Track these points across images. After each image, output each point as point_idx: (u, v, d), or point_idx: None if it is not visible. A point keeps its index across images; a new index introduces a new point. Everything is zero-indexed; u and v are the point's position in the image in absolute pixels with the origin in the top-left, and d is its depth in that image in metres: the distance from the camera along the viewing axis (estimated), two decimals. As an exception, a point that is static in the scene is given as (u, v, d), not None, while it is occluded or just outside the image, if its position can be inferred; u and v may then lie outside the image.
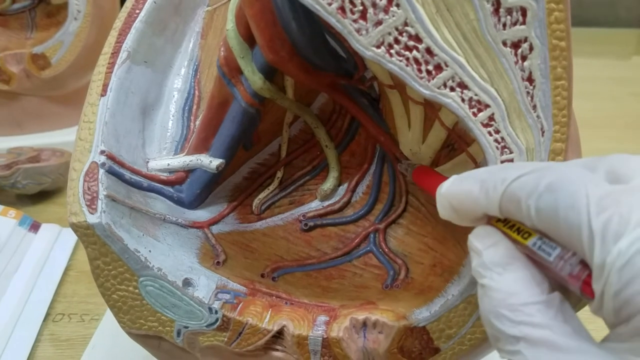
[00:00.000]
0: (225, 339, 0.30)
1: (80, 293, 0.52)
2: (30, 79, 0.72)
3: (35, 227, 0.57)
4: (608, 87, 1.07)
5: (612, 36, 1.43)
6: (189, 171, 0.34)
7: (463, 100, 0.26)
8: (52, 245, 0.57)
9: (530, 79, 0.25)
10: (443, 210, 0.24)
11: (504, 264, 0.20)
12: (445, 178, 0.25)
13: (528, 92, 0.25)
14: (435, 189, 0.25)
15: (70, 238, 0.58)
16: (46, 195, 0.67)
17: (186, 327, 0.30)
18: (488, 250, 0.21)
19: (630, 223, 0.17)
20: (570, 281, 0.18)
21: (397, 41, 0.24)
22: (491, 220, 0.22)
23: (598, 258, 0.17)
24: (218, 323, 0.30)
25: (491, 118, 0.26)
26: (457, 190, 0.23)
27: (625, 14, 1.51)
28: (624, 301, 0.17)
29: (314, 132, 0.37)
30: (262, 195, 0.37)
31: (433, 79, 0.25)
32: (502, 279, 0.20)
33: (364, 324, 0.30)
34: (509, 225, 0.21)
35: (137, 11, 0.33)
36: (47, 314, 0.49)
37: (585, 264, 0.18)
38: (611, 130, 0.88)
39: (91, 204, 0.28)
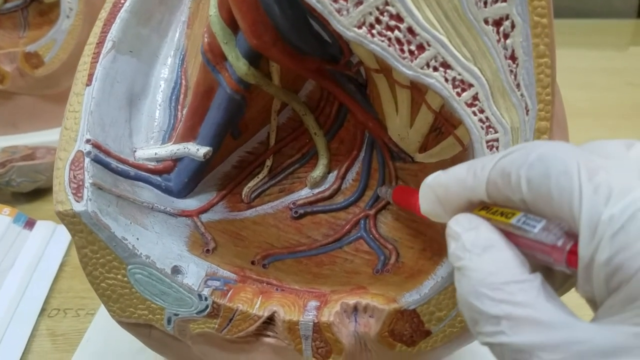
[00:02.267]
0: (216, 326, 0.30)
1: (76, 288, 0.52)
2: (23, 77, 0.72)
3: (30, 224, 0.57)
4: (604, 77, 1.07)
5: (608, 27, 1.43)
6: (176, 160, 0.33)
7: (446, 80, 0.25)
8: (47, 242, 0.57)
9: (513, 57, 0.25)
10: (426, 203, 0.24)
11: (484, 245, 0.20)
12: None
13: (511, 71, 0.25)
14: (416, 205, 0.25)
15: (65, 234, 0.58)
16: (41, 193, 0.67)
17: (176, 315, 0.30)
18: (468, 233, 0.20)
19: (621, 189, 0.17)
20: (555, 254, 0.18)
21: (378, 21, 0.24)
22: (473, 211, 0.22)
23: (587, 220, 0.17)
24: (208, 310, 0.30)
25: (475, 97, 0.26)
26: (443, 177, 0.23)
27: (621, 4, 1.51)
28: (616, 267, 0.16)
29: (303, 119, 0.37)
30: (251, 184, 0.37)
31: (416, 59, 0.25)
32: (482, 259, 0.19)
33: (355, 308, 0.30)
34: (491, 211, 0.21)
35: (122, 1, 0.33)
36: (43, 309, 0.50)
37: (570, 235, 0.18)
38: (607, 120, 0.88)
39: (77, 192, 0.28)
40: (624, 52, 1.31)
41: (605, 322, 0.17)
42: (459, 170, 0.22)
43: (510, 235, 0.20)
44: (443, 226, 0.33)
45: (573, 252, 0.17)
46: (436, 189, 0.23)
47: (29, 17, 0.75)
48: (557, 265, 0.18)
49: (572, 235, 0.18)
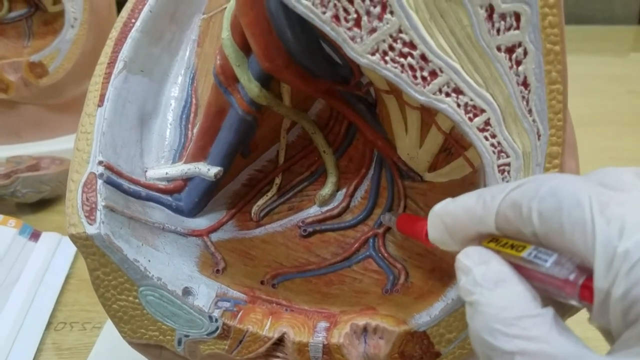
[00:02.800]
0: (226, 347, 0.30)
1: (82, 301, 0.52)
2: (28, 87, 0.72)
3: (35, 235, 0.57)
4: (605, 84, 1.07)
5: (609, 33, 1.43)
6: (187, 179, 0.34)
7: (459, 105, 0.26)
8: (53, 254, 0.57)
9: (525, 84, 0.25)
10: (434, 231, 0.24)
11: (495, 280, 0.20)
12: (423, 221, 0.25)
13: (523, 97, 0.25)
14: (421, 233, 0.25)
15: (70, 246, 0.58)
16: (46, 204, 0.67)
17: (187, 336, 0.30)
18: (479, 267, 0.20)
19: (635, 222, 0.17)
20: (567, 288, 0.18)
21: (391, 48, 0.25)
22: (482, 243, 0.22)
23: (602, 254, 0.17)
24: (218, 331, 0.30)
25: (487, 123, 0.26)
26: (452, 206, 0.23)
27: (622, 10, 1.51)
28: (633, 301, 0.16)
29: (312, 138, 0.37)
30: (260, 202, 0.37)
31: (428, 85, 0.25)
32: (494, 294, 0.19)
33: (365, 329, 0.30)
34: (501, 244, 0.21)
35: (133, 20, 0.33)
36: (49, 323, 0.49)
37: (582, 269, 0.18)
38: (609, 128, 0.88)
39: (90, 214, 0.28)
40: (624, 58, 1.31)
41: (622, 355, 0.17)
42: (467, 200, 0.22)
43: (521, 269, 0.20)
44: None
45: (585, 286, 0.18)
46: (444, 218, 0.23)
47: (34, 26, 0.75)
48: (569, 299, 0.18)
49: (584, 269, 0.18)
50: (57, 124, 0.76)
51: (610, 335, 0.18)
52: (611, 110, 0.95)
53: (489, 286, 0.20)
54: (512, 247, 0.20)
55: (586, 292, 0.18)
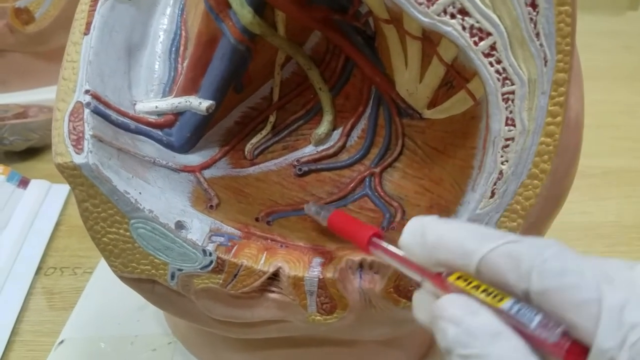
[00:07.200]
0: (221, 281, 0.30)
1: (72, 247, 0.52)
2: (14, 34, 0.71)
3: (24, 182, 0.56)
4: (602, 40, 1.07)
5: (607, -9, 1.42)
6: (178, 114, 0.32)
7: (464, 28, 0.24)
8: (42, 201, 0.56)
9: (533, 4, 0.24)
10: (410, 237, 0.22)
11: (492, 333, 0.19)
12: (366, 226, 0.25)
13: (531, 19, 0.24)
14: (363, 239, 0.25)
15: (60, 193, 0.58)
16: (35, 153, 0.66)
17: (180, 270, 0.29)
18: (471, 318, 0.19)
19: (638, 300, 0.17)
20: (550, 347, 0.18)
21: (394, -36, 0.23)
22: (449, 277, 0.21)
23: (609, 321, 0.17)
24: (213, 265, 0.29)
25: (493, 47, 0.25)
26: (443, 227, 0.21)
27: (621, -32, 1.48)
28: None
29: (307, 74, 0.36)
30: (254, 140, 0.36)
31: (432, 5, 0.24)
32: (498, 348, 0.18)
33: (360, 265, 0.30)
34: (471, 285, 0.20)
35: (120, -54, 0.31)
36: (39, 268, 0.49)
37: (565, 334, 0.18)
38: (605, 82, 0.88)
39: (77, 144, 0.27)
40: (621, 16, 1.30)
41: None
42: (460, 229, 0.21)
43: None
44: (451, 183, 0.32)
45: (571, 352, 0.17)
46: (429, 233, 0.22)
47: (18, -29, 0.73)
48: (549, 357, 0.18)
49: (567, 334, 0.18)
50: (44, 73, 0.74)
51: None
52: (607, 66, 0.95)
53: (487, 339, 0.19)
54: (485, 292, 0.19)
55: (571, 357, 0.17)
